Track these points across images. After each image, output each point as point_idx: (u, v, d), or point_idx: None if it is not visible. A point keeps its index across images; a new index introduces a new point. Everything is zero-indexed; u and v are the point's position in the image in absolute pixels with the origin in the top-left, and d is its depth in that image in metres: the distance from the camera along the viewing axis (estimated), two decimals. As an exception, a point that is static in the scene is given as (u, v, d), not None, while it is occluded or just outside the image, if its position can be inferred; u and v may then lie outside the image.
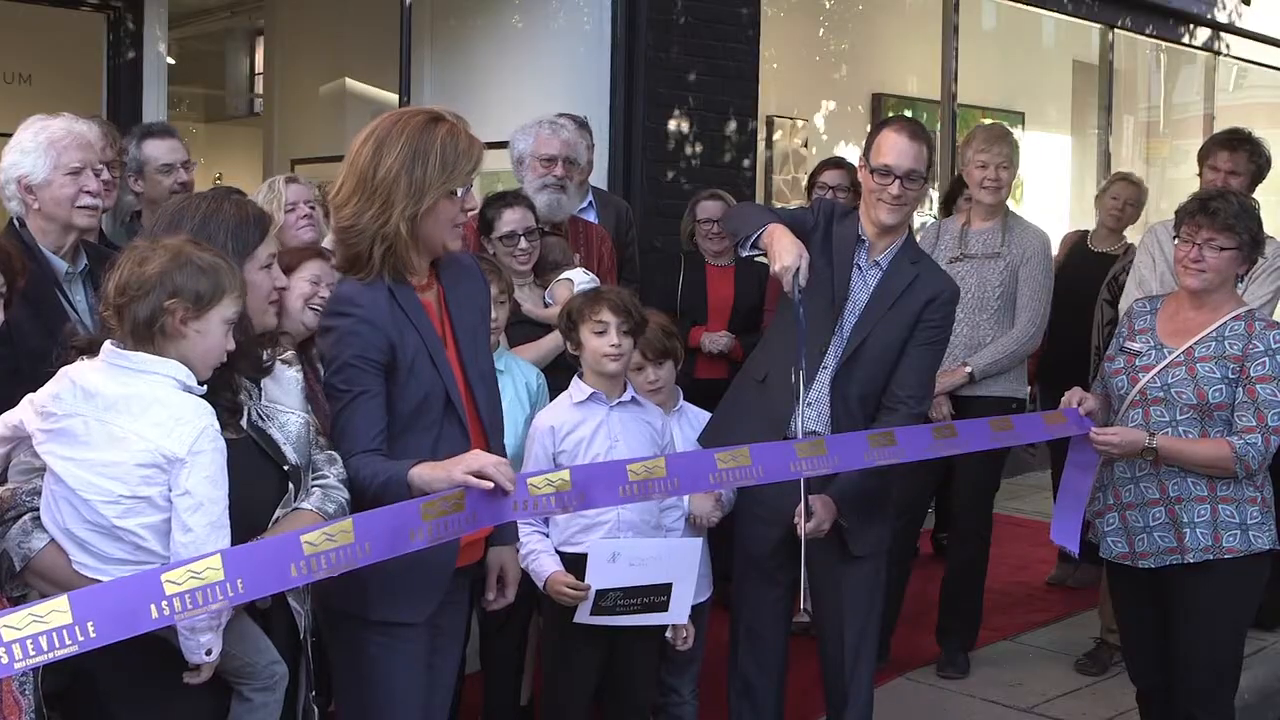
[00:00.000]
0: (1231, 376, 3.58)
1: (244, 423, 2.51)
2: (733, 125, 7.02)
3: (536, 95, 6.71)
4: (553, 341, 4.05)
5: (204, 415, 2.32)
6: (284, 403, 2.63)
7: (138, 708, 2.39)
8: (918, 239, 4.32)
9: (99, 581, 2.23)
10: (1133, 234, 6.20)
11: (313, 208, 4.14)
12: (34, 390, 2.38)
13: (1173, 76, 11.59)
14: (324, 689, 2.87)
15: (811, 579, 3.60)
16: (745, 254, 3.68)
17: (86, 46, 6.24)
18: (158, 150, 4.46)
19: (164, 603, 2.12)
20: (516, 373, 3.86)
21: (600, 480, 2.87)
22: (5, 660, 1.97)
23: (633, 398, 3.62)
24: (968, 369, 4.94)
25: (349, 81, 8.57)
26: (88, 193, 3.32)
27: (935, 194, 7.93)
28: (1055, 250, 5.58)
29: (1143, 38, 10.47)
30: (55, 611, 2.02)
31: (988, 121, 8.44)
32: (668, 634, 3.61)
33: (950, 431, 3.62)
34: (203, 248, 2.42)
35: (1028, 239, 5.06)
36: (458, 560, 2.79)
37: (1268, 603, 4.39)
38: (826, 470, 3.30)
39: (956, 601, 5.14)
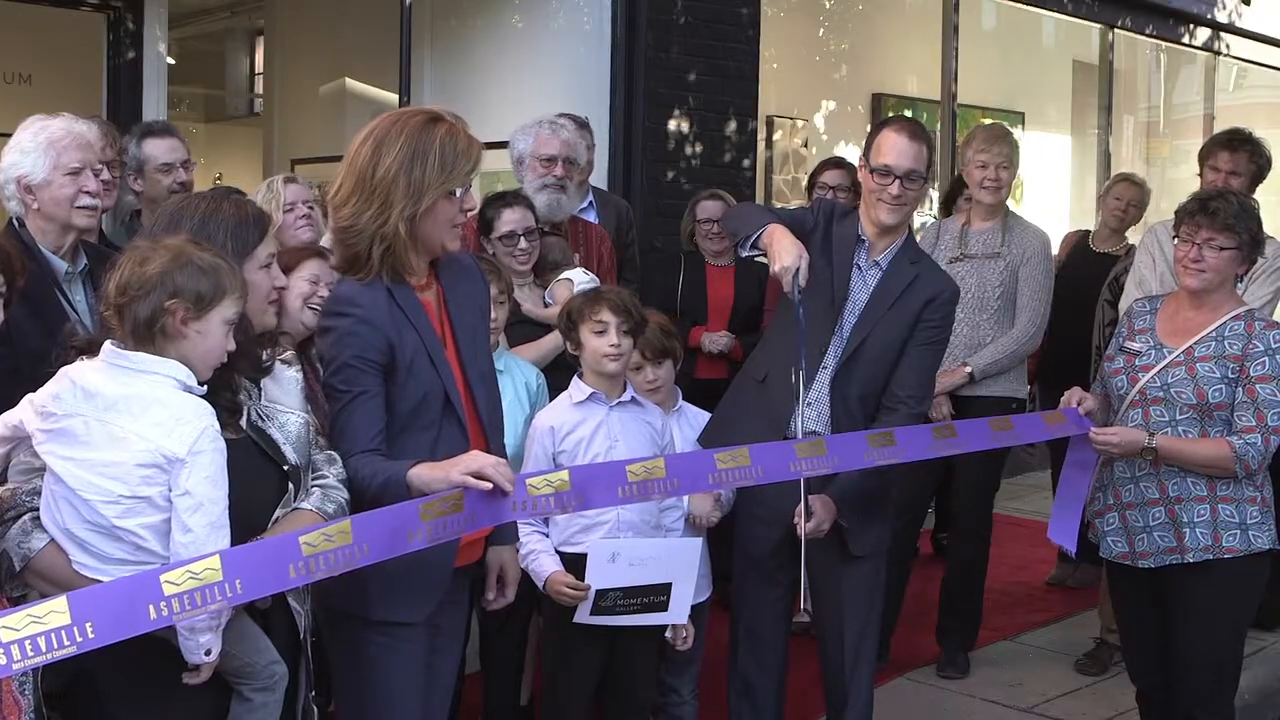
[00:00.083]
0: (1231, 376, 3.58)
1: (244, 423, 2.50)
2: (733, 125, 7.02)
3: (536, 95, 6.71)
4: (553, 341, 4.05)
5: (204, 415, 2.32)
6: (284, 403, 2.63)
7: (137, 708, 2.39)
8: (918, 239, 4.32)
9: (99, 581, 2.23)
10: (1135, 234, 6.19)
11: (311, 208, 4.14)
12: (34, 390, 2.38)
13: (1173, 76, 11.59)
14: (324, 689, 2.87)
15: (811, 579, 3.60)
16: (745, 254, 3.68)
17: (86, 46, 6.24)
18: (157, 149, 4.46)
19: (162, 603, 2.12)
20: (516, 373, 3.86)
21: (599, 481, 2.87)
22: (4, 661, 1.97)
23: (633, 398, 3.62)
24: (968, 369, 4.94)
25: (349, 81, 8.57)
26: (87, 193, 3.32)
27: (935, 194, 7.93)
28: (1055, 250, 5.58)
29: (1143, 38, 10.47)
30: (54, 612, 2.02)
31: (988, 121, 8.44)
32: (668, 634, 3.61)
33: (950, 431, 3.62)
34: (204, 248, 2.42)
35: (1028, 239, 5.06)
36: (457, 560, 2.79)
37: (1268, 603, 4.39)
38: (826, 470, 3.30)
39: (956, 601, 5.14)
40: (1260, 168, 4.97)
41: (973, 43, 9.19)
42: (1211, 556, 3.59)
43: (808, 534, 3.41)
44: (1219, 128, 9.14)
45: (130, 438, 2.27)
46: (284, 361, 2.68)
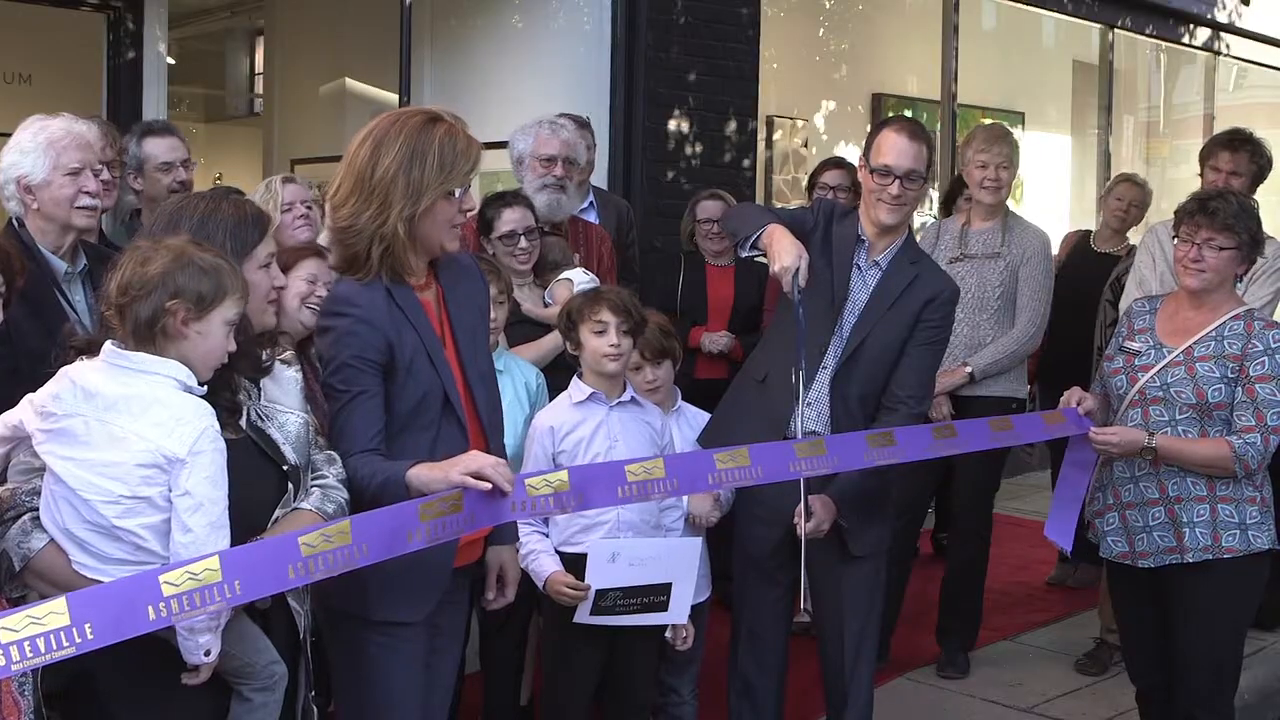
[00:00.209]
0: (1230, 376, 3.58)
1: (243, 423, 2.50)
2: (733, 125, 7.02)
3: (536, 95, 6.71)
4: (552, 341, 4.05)
5: (204, 416, 2.32)
6: (283, 403, 2.63)
7: (137, 708, 2.39)
8: (918, 239, 4.32)
9: (99, 582, 2.23)
10: (1136, 235, 6.19)
11: (309, 207, 4.15)
12: (33, 390, 2.38)
13: (1173, 76, 11.59)
14: (323, 689, 2.87)
15: (811, 579, 3.60)
16: (745, 254, 3.68)
17: (86, 46, 6.24)
18: (157, 148, 4.46)
19: (161, 604, 2.11)
20: (516, 373, 3.86)
21: (599, 481, 2.87)
22: (3, 663, 1.97)
23: (632, 398, 3.62)
24: (968, 369, 4.94)
25: (349, 81, 8.57)
26: (86, 193, 3.32)
27: (935, 194, 7.93)
28: (1055, 250, 5.58)
29: (1143, 38, 10.46)
30: (53, 613, 2.02)
31: (988, 121, 8.44)
32: (667, 634, 3.61)
33: (950, 431, 3.62)
34: (205, 248, 2.42)
35: (1028, 239, 5.06)
36: (457, 560, 2.79)
37: (1268, 603, 4.39)
38: (826, 470, 3.30)
39: (956, 601, 5.14)
40: (1261, 168, 4.97)
41: (973, 43, 9.19)
42: (1211, 556, 3.59)
43: (808, 534, 3.41)
44: (1219, 128, 9.14)
45: (130, 438, 2.27)
46: (283, 361, 2.68)
